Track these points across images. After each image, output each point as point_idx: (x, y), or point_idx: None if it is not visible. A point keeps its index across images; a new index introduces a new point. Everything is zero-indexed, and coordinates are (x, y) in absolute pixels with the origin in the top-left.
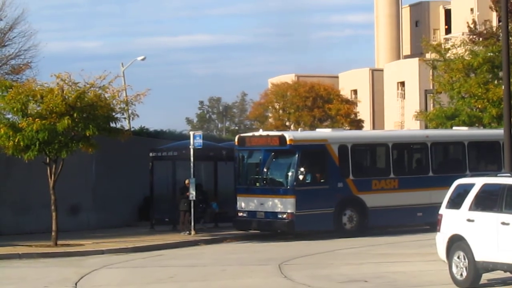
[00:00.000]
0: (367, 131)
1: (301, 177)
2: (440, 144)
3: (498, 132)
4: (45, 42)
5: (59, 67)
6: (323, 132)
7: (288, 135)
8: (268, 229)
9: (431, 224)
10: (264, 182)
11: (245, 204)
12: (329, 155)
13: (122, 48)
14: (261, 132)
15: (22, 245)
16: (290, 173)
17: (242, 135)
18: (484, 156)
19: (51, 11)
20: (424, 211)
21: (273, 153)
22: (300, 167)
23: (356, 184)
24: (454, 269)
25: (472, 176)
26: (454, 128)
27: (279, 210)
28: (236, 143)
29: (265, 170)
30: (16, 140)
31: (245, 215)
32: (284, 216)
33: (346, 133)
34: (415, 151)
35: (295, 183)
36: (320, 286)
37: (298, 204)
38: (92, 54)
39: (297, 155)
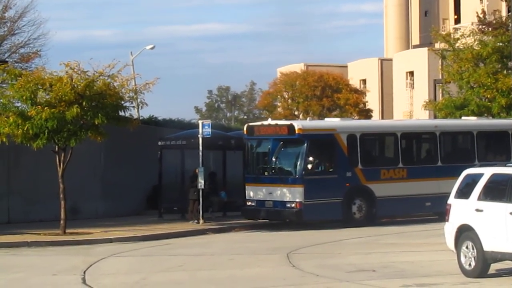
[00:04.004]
0: (376, 120)
1: (309, 166)
2: (449, 134)
3: (507, 122)
4: (55, 30)
5: (69, 56)
6: (332, 122)
7: (297, 124)
8: (276, 218)
9: (440, 214)
10: (273, 171)
11: (253, 193)
12: (337, 144)
13: (133, 37)
14: (270, 121)
15: (31, 233)
16: (298, 162)
17: (251, 124)
18: (493, 146)
19: (64, 0)
20: (432, 201)
21: (281, 142)
22: (309, 156)
23: (365, 174)
24: (462, 259)
25: (481, 166)
26: (463, 118)
27: (287, 199)
28: (245, 132)
29: (273, 159)
30: (25, 129)
31: (253, 204)
32: (293, 205)
33: (355, 123)
34: (424, 140)
35: (303, 172)
36: (328, 275)
37: (306, 193)
38: (103, 43)
39: (305, 144)
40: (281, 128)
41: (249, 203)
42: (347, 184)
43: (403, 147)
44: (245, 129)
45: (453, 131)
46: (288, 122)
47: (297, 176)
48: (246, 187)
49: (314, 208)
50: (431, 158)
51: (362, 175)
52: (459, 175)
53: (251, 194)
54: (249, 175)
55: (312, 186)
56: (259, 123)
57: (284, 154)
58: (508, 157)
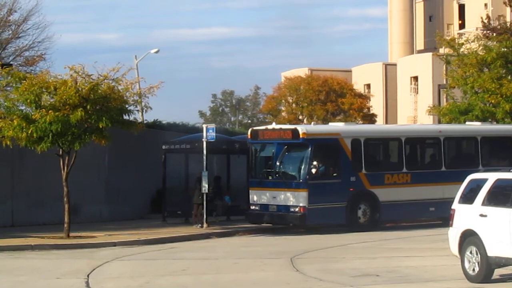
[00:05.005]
0: (380, 125)
1: (313, 170)
2: (453, 139)
3: (511, 127)
4: (59, 34)
5: (74, 59)
6: (336, 126)
7: (301, 129)
8: (280, 222)
9: (444, 219)
10: (277, 175)
11: (257, 197)
12: (342, 149)
13: (139, 41)
14: (274, 126)
15: (35, 237)
16: (302, 167)
17: (255, 128)
18: (497, 151)
19: (70, 3)
20: (436, 206)
21: (286, 147)
22: (313, 161)
23: (369, 178)
24: (466, 264)
25: (485, 171)
26: (467, 123)
27: (291, 203)
28: (249, 137)
29: (277, 163)
30: (29, 132)
31: (257, 208)
32: (297, 209)
33: (359, 127)
34: (428, 145)
35: (307, 177)
36: (332, 280)
37: (310, 197)
38: (107, 47)
39: (310, 149)
40: (285, 132)
41: (253, 207)
42: (351, 189)
43: (407, 152)
44: (249, 133)
45: (457, 136)
46: (292, 127)
47: (301, 181)
48: (250, 191)
49: (318, 212)
50: (435, 163)
51: (366, 179)
52: (463, 180)
53: (255, 198)
54: (253, 179)
55: (316, 190)
56: (263, 127)
57: (288, 159)
58: None
